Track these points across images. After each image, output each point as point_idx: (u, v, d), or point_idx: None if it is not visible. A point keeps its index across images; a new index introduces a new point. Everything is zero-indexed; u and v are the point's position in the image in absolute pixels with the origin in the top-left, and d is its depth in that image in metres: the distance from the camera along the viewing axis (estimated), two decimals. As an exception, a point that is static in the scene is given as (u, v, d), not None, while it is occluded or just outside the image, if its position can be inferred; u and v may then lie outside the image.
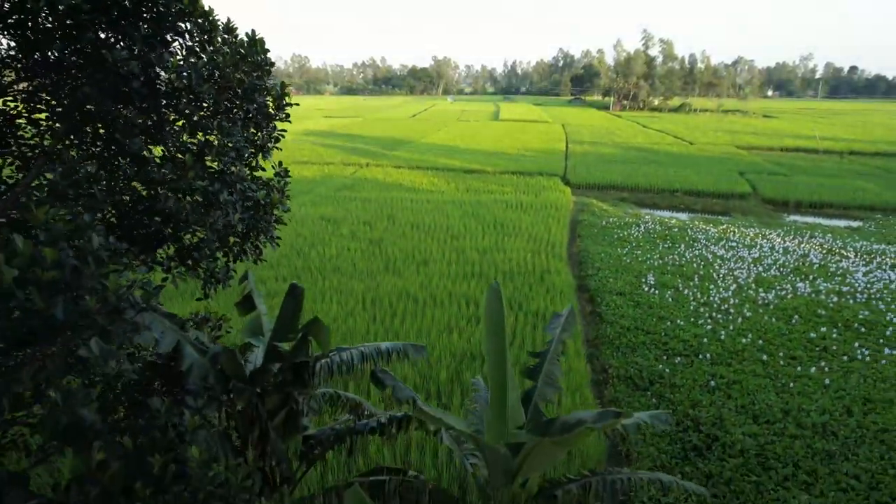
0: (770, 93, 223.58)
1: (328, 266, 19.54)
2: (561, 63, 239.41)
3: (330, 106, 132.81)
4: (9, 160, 5.92)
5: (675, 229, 26.97)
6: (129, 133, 4.32)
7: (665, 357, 14.37)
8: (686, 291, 18.77)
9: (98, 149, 4.62)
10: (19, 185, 4.90)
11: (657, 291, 18.67)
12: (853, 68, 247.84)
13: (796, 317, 16.84)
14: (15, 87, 5.96)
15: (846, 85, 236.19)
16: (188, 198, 4.58)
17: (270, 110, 5.81)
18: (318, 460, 5.50)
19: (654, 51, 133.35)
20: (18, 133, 6.08)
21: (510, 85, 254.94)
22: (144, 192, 4.56)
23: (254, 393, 4.57)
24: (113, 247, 3.67)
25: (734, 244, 24.80)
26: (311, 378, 4.79)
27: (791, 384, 13.17)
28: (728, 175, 40.70)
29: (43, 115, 6.12)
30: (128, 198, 4.62)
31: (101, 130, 4.68)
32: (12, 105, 6.17)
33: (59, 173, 3.90)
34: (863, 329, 16.03)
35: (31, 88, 6.02)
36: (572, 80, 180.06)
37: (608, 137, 65.49)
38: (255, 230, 5.23)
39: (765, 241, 25.53)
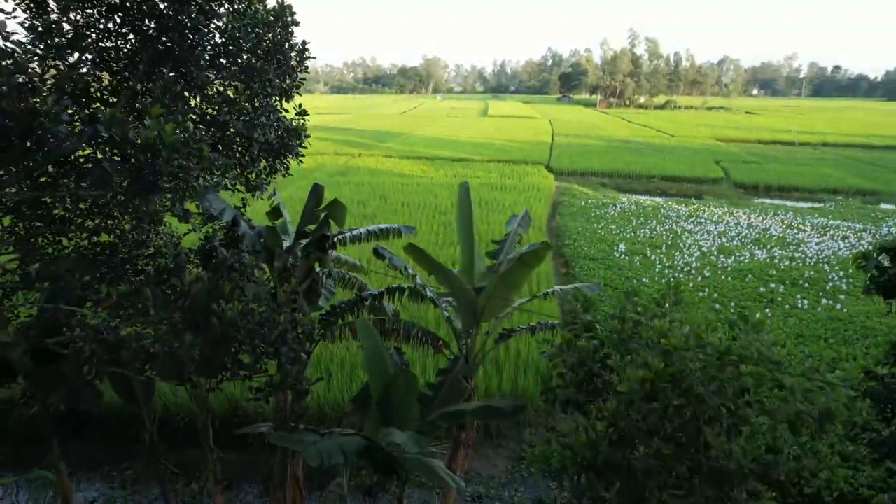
0: (755, 91, 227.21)
1: (326, 237, 21.19)
2: (550, 62, 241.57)
3: (321, 104, 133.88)
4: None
5: (649, 209, 28.87)
6: (199, 68, 5.99)
7: (629, 307, 16.18)
8: (653, 257, 20.62)
9: (172, 80, 6.27)
10: (115, 107, 6.55)
11: (627, 257, 20.50)
12: (836, 68, 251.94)
13: (750, 276, 18.73)
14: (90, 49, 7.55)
15: (830, 84, 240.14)
16: (239, 118, 6.25)
17: (293, 62, 7.49)
18: (333, 324, 7.17)
19: (640, 49, 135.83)
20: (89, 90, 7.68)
21: (500, 84, 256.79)
22: (208, 110, 6.24)
23: (288, 259, 6.25)
24: (198, 134, 5.37)
25: (703, 220, 26.72)
26: (331, 248, 6.49)
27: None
28: (704, 163, 42.71)
29: (105, 74, 7.74)
30: (195, 115, 6.30)
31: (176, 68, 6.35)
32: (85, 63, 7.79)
33: (159, 89, 5.56)
34: (807, 285, 17.94)
35: (97, 50, 7.64)
36: (560, 78, 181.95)
37: (593, 131, 67.44)
38: (285, 149, 6.91)
39: (731, 218, 27.47)
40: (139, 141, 4.52)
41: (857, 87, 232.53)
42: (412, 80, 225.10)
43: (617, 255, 20.64)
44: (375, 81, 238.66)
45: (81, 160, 5.23)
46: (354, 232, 7.17)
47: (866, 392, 7.46)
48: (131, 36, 7.20)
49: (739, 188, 35.96)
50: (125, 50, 7.18)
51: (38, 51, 5.03)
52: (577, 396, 4.60)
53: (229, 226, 6.01)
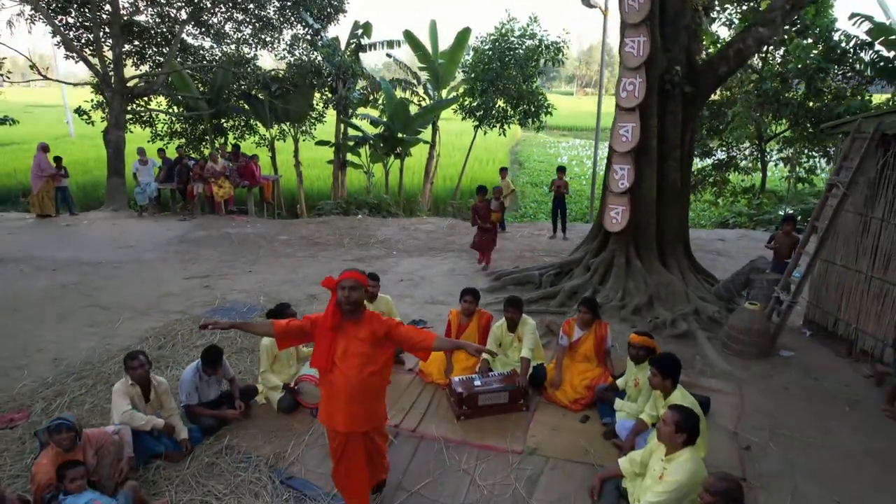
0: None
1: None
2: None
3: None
4: None
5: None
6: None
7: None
8: (588, 163, 27.38)
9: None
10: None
11: (566, 161, 27.23)
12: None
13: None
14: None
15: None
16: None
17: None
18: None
19: (613, 39, 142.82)
20: None
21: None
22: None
23: (344, 53, 12.70)
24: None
25: (634, 147, 33.60)
26: (364, 50, 13.04)
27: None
28: (652, 121, 49.69)
29: None
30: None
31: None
32: None
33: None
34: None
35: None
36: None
37: (564, 107, 74.34)
38: (335, 9, 13.32)
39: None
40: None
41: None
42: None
43: (558, 161, 27.39)
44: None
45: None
46: (375, 41, 13.82)
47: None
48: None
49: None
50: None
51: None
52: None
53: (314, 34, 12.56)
